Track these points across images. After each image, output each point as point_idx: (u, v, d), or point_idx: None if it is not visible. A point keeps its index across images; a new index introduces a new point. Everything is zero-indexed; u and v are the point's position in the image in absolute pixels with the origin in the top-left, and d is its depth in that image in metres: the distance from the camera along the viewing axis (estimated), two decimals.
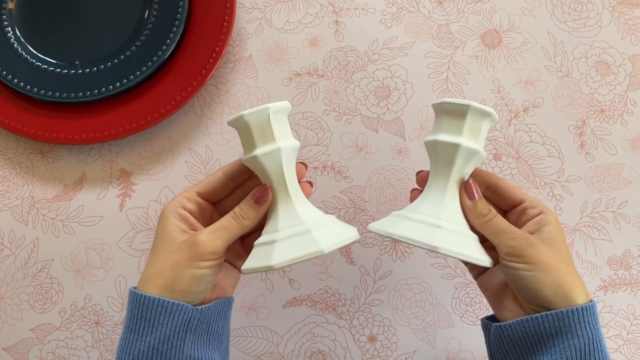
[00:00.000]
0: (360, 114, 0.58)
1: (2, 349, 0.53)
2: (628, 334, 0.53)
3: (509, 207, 0.43)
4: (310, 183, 0.44)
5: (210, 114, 0.58)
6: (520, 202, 0.43)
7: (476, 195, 0.41)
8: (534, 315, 0.39)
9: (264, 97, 0.58)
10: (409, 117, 0.57)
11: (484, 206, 0.41)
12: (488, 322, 0.43)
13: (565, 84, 0.59)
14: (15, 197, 0.56)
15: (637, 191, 0.56)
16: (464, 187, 0.42)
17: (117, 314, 0.53)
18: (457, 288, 0.53)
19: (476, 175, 0.43)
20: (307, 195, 0.43)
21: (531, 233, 0.41)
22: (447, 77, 0.59)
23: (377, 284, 0.53)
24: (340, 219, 0.54)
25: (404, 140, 0.57)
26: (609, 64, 0.59)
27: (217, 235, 0.40)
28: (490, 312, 0.47)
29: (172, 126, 0.58)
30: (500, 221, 0.41)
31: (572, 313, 0.38)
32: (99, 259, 0.55)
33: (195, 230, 0.41)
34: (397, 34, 0.60)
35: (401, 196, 0.56)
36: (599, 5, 0.61)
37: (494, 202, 0.44)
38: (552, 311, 0.38)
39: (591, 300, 0.39)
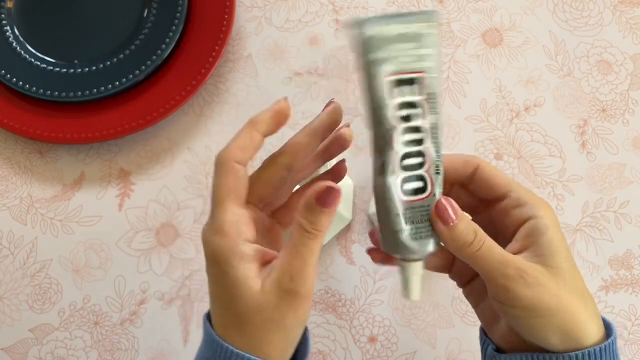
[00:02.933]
0: (361, 114, 0.57)
1: (1, 349, 0.53)
2: (629, 334, 0.53)
3: (492, 199, 0.35)
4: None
5: (210, 113, 0.58)
6: (503, 197, 0.34)
7: (453, 218, 0.32)
8: (539, 355, 0.33)
9: (263, 96, 0.58)
10: None
11: (466, 231, 0.32)
12: (486, 339, 0.37)
13: (566, 83, 0.58)
14: (14, 196, 0.56)
15: (638, 191, 0.55)
16: (435, 210, 0.32)
17: (116, 314, 0.53)
18: (457, 288, 0.53)
19: (450, 165, 0.34)
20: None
21: (524, 250, 0.33)
22: (448, 76, 0.58)
23: (377, 284, 0.53)
24: None
25: None
26: (610, 63, 0.59)
27: (312, 270, 0.31)
28: None
29: (172, 125, 0.58)
30: (489, 250, 0.32)
31: (583, 357, 0.32)
32: (98, 259, 0.54)
33: (269, 262, 0.32)
34: None
35: None
36: (600, 4, 0.61)
37: (472, 191, 0.36)
38: (559, 355, 0.32)
39: (608, 335, 0.33)
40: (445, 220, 0.32)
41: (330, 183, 0.31)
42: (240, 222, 0.32)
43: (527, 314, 0.32)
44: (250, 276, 0.31)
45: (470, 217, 0.33)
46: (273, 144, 0.53)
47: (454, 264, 0.39)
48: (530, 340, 0.33)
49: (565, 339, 0.32)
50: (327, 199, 0.31)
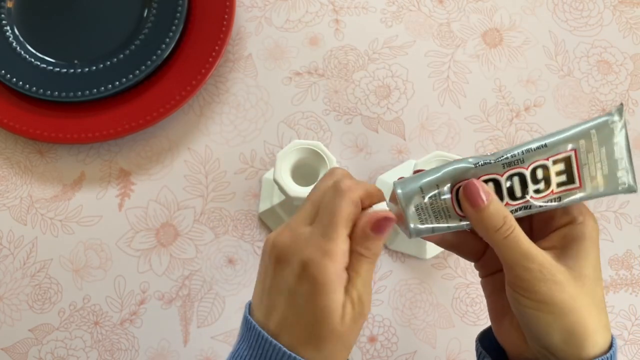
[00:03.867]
0: (360, 114, 0.57)
1: (1, 349, 0.53)
2: (629, 334, 0.53)
3: None
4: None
5: (210, 113, 0.58)
6: None
7: (484, 200, 0.32)
8: None
9: (263, 96, 0.58)
10: (409, 117, 0.57)
11: (496, 215, 0.32)
12: (482, 351, 0.37)
13: (566, 83, 0.58)
14: (14, 196, 0.56)
15: (638, 191, 0.55)
16: (464, 192, 0.32)
17: (116, 314, 0.53)
18: (457, 288, 0.53)
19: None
20: None
21: (555, 248, 0.33)
22: (448, 76, 0.58)
23: (377, 284, 0.53)
24: None
25: (404, 140, 0.57)
26: (610, 63, 0.59)
27: (370, 290, 0.33)
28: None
29: (172, 125, 0.58)
30: (516, 240, 0.32)
31: None
32: (98, 259, 0.54)
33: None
34: (398, 33, 0.60)
35: None
36: (600, 4, 0.61)
37: None
38: None
39: (610, 347, 0.33)
40: (474, 202, 0.32)
41: (384, 213, 0.33)
42: (346, 251, 0.33)
43: (538, 307, 0.32)
44: (341, 302, 0.32)
45: (502, 203, 0.33)
46: (274, 143, 0.53)
47: (485, 254, 0.38)
48: (532, 336, 0.33)
49: (568, 340, 0.32)
50: (382, 227, 0.32)
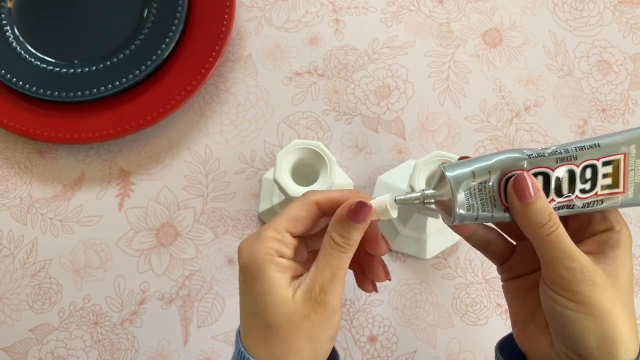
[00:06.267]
0: (361, 114, 0.57)
1: (1, 349, 0.53)
2: None
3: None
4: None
5: (210, 113, 0.58)
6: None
7: (531, 195, 0.31)
8: None
9: (263, 96, 0.58)
10: (409, 117, 0.57)
11: (542, 211, 0.31)
12: (500, 357, 0.37)
13: (566, 83, 0.58)
14: (14, 196, 0.56)
15: None
16: (513, 184, 0.31)
17: (116, 314, 0.53)
18: (457, 288, 0.53)
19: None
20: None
21: (592, 253, 0.33)
22: (448, 76, 0.58)
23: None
24: None
25: (404, 140, 0.57)
26: (610, 63, 0.59)
27: (341, 284, 0.32)
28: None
29: (172, 125, 0.58)
30: (559, 238, 0.31)
31: None
32: (98, 259, 0.54)
33: (298, 277, 0.33)
34: (398, 33, 0.60)
35: None
36: (600, 4, 0.61)
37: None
38: None
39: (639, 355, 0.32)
40: (521, 195, 0.31)
41: (361, 198, 0.32)
42: (281, 241, 0.33)
43: (577, 307, 0.31)
44: (283, 284, 0.31)
45: (547, 199, 0.32)
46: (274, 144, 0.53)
47: (511, 257, 0.38)
48: (566, 340, 0.33)
49: (603, 345, 0.31)
50: (359, 214, 0.32)
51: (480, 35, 0.60)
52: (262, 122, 0.57)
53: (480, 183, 0.32)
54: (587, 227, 0.34)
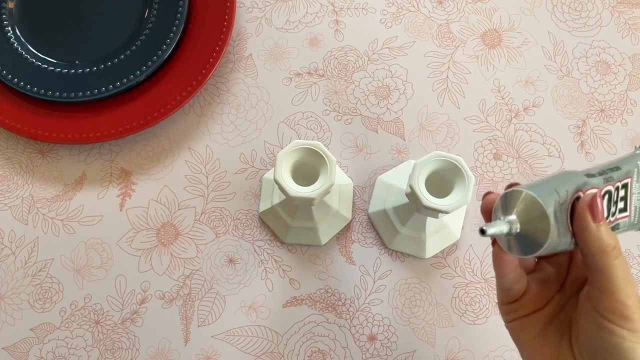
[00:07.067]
0: (360, 114, 0.58)
1: (2, 348, 0.53)
2: None
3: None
4: None
5: (210, 113, 0.58)
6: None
7: (602, 217, 0.29)
8: None
9: (264, 96, 0.58)
10: (409, 117, 0.57)
11: (609, 236, 0.30)
12: None
13: (565, 83, 0.58)
14: (15, 196, 0.56)
15: None
16: (589, 205, 0.29)
17: (117, 313, 0.53)
18: (456, 287, 0.53)
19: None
20: None
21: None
22: (447, 76, 0.59)
23: (377, 284, 0.53)
24: None
25: (404, 140, 0.57)
26: (609, 64, 0.59)
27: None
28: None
29: (172, 126, 0.58)
30: (621, 266, 0.30)
31: None
32: (99, 259, 0.55)
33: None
34: (397, 34, 0.60)
35: None
36: (599, 4, 0.61)
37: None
38: None
39: None
40: (596, 216, 0.29)
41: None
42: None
43: (631, 335, 0.30)
44: None
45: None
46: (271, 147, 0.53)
47: (525, 294, 0.36)
48: None
49: None
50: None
51: (480, 35, 0.60)
52: (263, 123, 0.58)
53: (562, 204, 0.29)
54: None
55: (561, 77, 0.59)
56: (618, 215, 0.31)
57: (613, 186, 0.31)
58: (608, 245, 0.29)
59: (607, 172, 0.30)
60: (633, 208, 0.32)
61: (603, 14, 0.61)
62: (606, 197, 0.30)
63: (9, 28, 0.59)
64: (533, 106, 0.58)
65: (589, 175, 0.30)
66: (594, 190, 0.29)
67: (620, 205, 0.31)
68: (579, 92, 0.58)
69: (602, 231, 0.29)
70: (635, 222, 0.32)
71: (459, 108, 0.58)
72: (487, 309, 0.53)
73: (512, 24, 0.60)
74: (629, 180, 0.31)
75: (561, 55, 0.59)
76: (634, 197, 0.31)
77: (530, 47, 0.59)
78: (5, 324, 0.54)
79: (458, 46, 0.60)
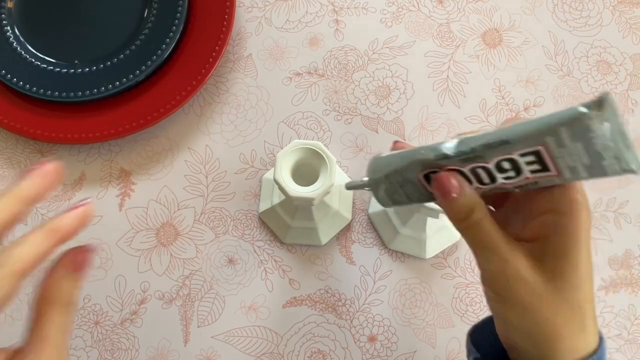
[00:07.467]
0: (360, 114, 0.57)
1: (2, 348, 0.53)
2: (629, 334, 0.53)
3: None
4: None
5: (210, 113, 0.58)
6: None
7: (451, 193, 0.31)
8: None
9: (263, 96, 0.58)
10: (409, 117, 0.57)
11: (462, 205, 0.30)
12: (472, 347, 0.37)
13: (566, 83, 0.58)
14: None
15: (638, 191, 0.56)
16: (434, 183, 0.31)
17: (117, 313, 0.53)
18: (457, 288, 0.53)
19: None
20: None
21: (536, 239, 0.30)
22: (448, 76, 0.59)
23: (377, 284, 0.53)
24: None
25: (404, 140, 0.57)
26: (609, 63, 0.59)
27: None
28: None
29: (172, 125, 0.58)
30: (479, 230, 0.30)
31: None
32: (99, 259, 0.54)
33: None
34: (398, 33, 0.60)
35: None
36: (600, 4, 0.61)
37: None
38: None
39: (595, 351, 0.29)
40: (444, 192, 0.31)
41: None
42: None
43: (498, 300, 0.31)
44: None
45: (475, 194, 0.31)
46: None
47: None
48: (499, 333, 0.33)
49: (530, 342, 0.30)
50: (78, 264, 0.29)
51: (480, 35, 0.60)
52: (262, 122, 0.57)
53: (399, 171, 0.35)
54: (532, 205, 0.31)
55: (562, 76, 0.59)
56: (531, 175, 0.30)
57: (488, 164, 0.30)
58: (456, 216, 0.31)
59: (476, 150, 0.30)
60: (563, 168, 0.29)
61: (604, 14, 0.60)
62: (473, 172, 0.31)
63: (8, 28, 0.59)
64: (534, 106, 0.58)
65: (441, 157, 0.31)
66: (436, 175, 0.32)
67: (533, 167, 0.29)
68: (579, 91, 0.58)
69: (452, 204, 0.31)
70: (587, 177, 0.30)
71: (460, 108, 0.58)
72: (488, 309, 0.53)
73: (512, 23, 0.60)
74: (534, 149, 0.29)
75: (562, 54, 0.59)
76: (562, 159, 0.29)
77: (531, 46, 0.59)
78: (4, 325, 0.53)
79: (458, 46, 0.59)
